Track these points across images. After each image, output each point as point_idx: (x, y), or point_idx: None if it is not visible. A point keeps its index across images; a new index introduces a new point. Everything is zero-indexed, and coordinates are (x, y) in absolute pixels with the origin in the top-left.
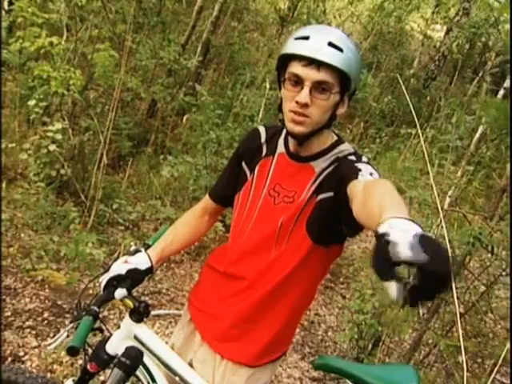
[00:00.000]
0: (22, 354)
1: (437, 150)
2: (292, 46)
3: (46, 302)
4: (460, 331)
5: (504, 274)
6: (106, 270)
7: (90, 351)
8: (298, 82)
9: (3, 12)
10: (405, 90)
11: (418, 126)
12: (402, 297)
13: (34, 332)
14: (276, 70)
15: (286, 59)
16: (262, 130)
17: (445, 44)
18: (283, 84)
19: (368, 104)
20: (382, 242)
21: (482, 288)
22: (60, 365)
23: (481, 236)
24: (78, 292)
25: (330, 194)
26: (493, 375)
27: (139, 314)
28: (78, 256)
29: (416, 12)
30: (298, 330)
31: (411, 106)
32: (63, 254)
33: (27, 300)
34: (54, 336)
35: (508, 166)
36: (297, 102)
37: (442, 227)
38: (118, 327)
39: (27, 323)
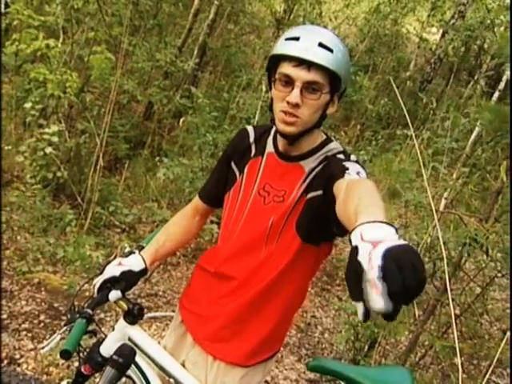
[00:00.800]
0: (18, 356)
1: (432, 152)
2: (282, 47)
3: (43, 304)
4: (456, 333)
5: (499, 275)
6: (100, 273)
7: (84, 353)
8: (289, 82)
9: None
10: (398, 94)
11: (411, 129)
12: (367, 318)
13: (30, 335)
14: (267, 70)
15: (277, 60)
16: (250, 130)
17: (440, 47)
18: (274, 84)
19: (364, 106)
20: (353, 259)
21: (478, 290)
22: (56, 367)
23: (476, 238)
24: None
25: (319, 192)
26: (487, 376)
27: (133, 316)
28: (74, 258)
29: (412, 15)
30: (294, 332)
31: (404, 109)
32: (60, 256)
33: (23, 303)
34: (49, 339)
35: (501, 167)
36: (288, 103)
37: (437, 229)
38: (113, 329)
39: (23, 326)
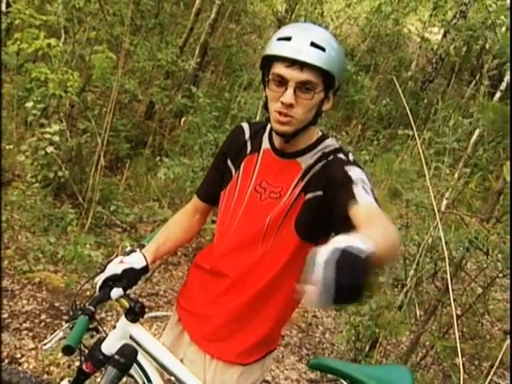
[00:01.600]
0: (18, 355)
1: (434, 152)
2: (275, 47)
3: (44, 303)
4: (457, 333)
5: (500, 275)
6: (102, 271)
7: (85, 351)
8: (282, 82)
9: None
10: (401, 93)
11: (414, 129)
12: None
13: (31, 334)
14: (260, 69)
15: (270, 60)
16: (245, 126)
17: (442, 47)
18: (268, 84)
19: (365, 106)
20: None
21: (479, 290)
22: (57, 367)
23: (478, 238)
24: (75, 294)
25: (319, 193)
26: (489, 377)
27: (135, 314)
28: (75, 258)
29: (413, 15)
30: (295, 332)
31: (407, 108)
32: (60, 255)
33: (24, 302)
34: (50, 337)
35: (504, 168)
36: (282, 103)
37: (438, 229)
38: (115, 328)
39: (24, 325)
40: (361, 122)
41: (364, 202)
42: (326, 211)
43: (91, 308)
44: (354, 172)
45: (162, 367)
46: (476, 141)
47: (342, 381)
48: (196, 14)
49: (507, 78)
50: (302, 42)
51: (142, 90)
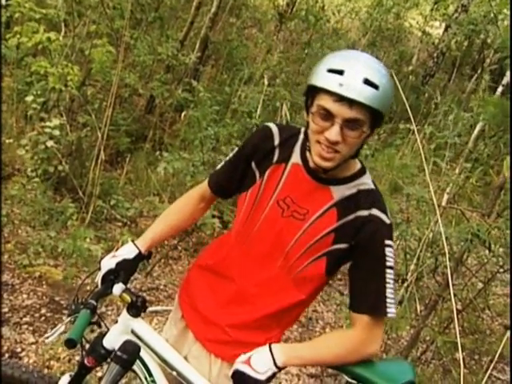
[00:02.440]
0: (19, 350)
1: (435, 146)
2: (324, 79)
3: (44, 298)
4: (457, 328)
5: (501, 270)
6: (99, 269)
7: (87, 346)
8: (328, 116)
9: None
10: (400, 89)
11: (413, 123)
12: None
13: (31, 328)
14: (303, 95)
15: (316, 90)
16: (275, 130)
17: (443, 41)
18: (312, 114)
19: None
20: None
21: (480, 285)
22: (57, 361)
23: (478, 233)
24: (76, 288)
25: (346, 245)
26: (489, 371)
27: (137, 308)
28: (75, 252)
29: (415, 9)
30: (295, 327)
31: (406, 103)
32: (61, 249)
33: (24, 296)
34: (50, 331)
35: (504, 163)
36: (327, 139)
37: (439, 224)
38: (116, 322)
39: (24, 319)
40: None
41: (366, 312)
42: (348, 258)
43: (93, 302)
44: (390, 254)
45: (164, 362)
46: (477, 135)
47: (343, 375)
48: (196, 7)
49: (509, 72)
50: (355, 78)
51: (143, 84)
